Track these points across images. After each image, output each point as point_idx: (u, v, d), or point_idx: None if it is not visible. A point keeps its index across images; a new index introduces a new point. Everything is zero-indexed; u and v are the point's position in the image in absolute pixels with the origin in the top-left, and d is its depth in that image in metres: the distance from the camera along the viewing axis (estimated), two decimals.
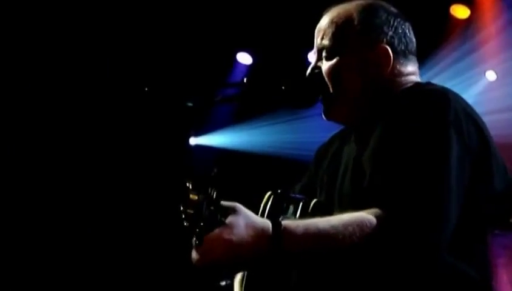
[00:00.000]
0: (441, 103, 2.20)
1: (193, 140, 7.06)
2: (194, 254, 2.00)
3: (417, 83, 2.43)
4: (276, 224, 2.00)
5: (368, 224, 2.03)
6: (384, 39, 2.39)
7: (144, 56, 6.41)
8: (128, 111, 6.46)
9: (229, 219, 1.98)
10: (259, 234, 1.97)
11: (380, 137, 2.25)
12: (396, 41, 2.41)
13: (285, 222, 2.01)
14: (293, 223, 2.04)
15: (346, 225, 2.02)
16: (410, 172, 2.10)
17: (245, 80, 2.48)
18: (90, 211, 6.55)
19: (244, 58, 6.96)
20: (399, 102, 2.29)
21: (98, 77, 6.36)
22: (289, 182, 2.68)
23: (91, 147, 6.57)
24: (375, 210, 2.06)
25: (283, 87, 2.42)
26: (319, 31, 2.47)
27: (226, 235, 1.95)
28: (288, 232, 1.99)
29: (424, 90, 2.33)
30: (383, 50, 2.38)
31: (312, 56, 2.53)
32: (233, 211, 2.00)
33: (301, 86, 2.43)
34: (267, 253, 1.97)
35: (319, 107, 2.47)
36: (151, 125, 6.49)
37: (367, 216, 2.05)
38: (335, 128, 2.64)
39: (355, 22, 2.41)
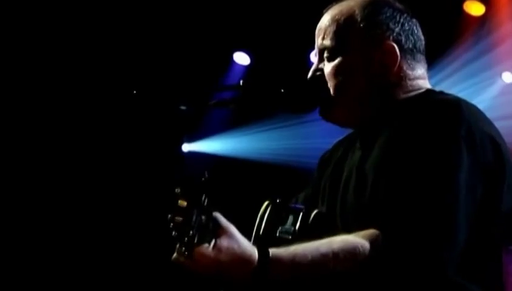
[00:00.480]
0: (454, 116, 2.22)
1: (186, 147, 7.07)
2: (177, 257, 2.04)
3: (428, 91, 2.43)
4: (263, 253, 2.07)
5: (361, 249, 2.10)
6: (391, 36, 2.41)
7: (133, 56, 6.42)
8: (116, 115, 6.46)
9: (224, 243, 2.04)
10: (247, 262, 2.05)
11: (385, 146, 2.28)
12: (403, 38, 2.42)
13: (273, 251, 2.08)
14: (282, 253, 2.10)
15: (336, 253, 2.09)
16: (414, 188, 2.13)
17: (242, 82, 2.49)
18: (79, 216, 6.58)
19: (242, 58, 6.96)
20: (408, 109, 2.31)
21: (88, 79, 6.38)
22: (288, 191, 2.69)
23: (80, 151, 6.59)
24: (372, 232, 2.13)
25: (283, 90, 2.44)
26: (319, 31, 2.48)
27: (219, 257, 2.03)
28: (274, 261, 2.07)
29: (436, 100, 2.34)
30: (389, 47, 2.40)
31: (313, 57, 2.53)
32: (227, 234, 2.06)
33: (301, 89, 2.45)
34: (253, 281, 2.06)
35: None
36: (141, 130, 6.49)
37: (360, 240, 2.11)
38: (336, 134, 2.66)
39: (358, 19, 2.42)
